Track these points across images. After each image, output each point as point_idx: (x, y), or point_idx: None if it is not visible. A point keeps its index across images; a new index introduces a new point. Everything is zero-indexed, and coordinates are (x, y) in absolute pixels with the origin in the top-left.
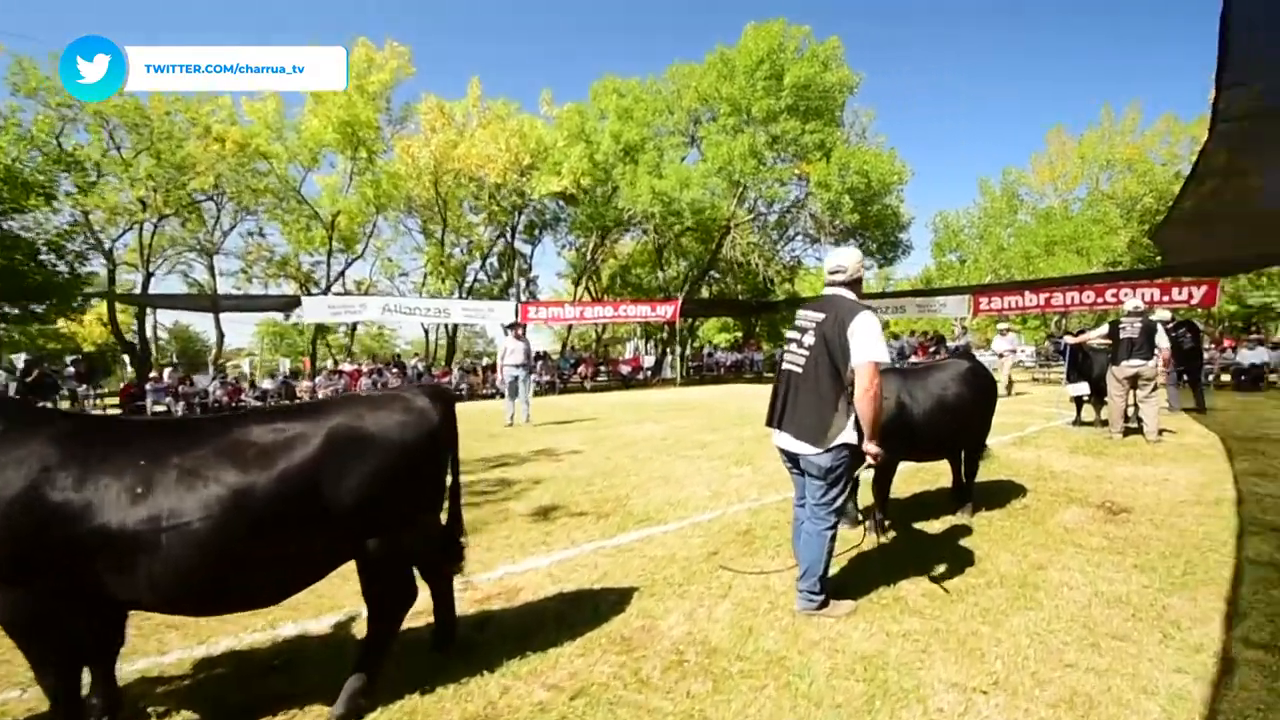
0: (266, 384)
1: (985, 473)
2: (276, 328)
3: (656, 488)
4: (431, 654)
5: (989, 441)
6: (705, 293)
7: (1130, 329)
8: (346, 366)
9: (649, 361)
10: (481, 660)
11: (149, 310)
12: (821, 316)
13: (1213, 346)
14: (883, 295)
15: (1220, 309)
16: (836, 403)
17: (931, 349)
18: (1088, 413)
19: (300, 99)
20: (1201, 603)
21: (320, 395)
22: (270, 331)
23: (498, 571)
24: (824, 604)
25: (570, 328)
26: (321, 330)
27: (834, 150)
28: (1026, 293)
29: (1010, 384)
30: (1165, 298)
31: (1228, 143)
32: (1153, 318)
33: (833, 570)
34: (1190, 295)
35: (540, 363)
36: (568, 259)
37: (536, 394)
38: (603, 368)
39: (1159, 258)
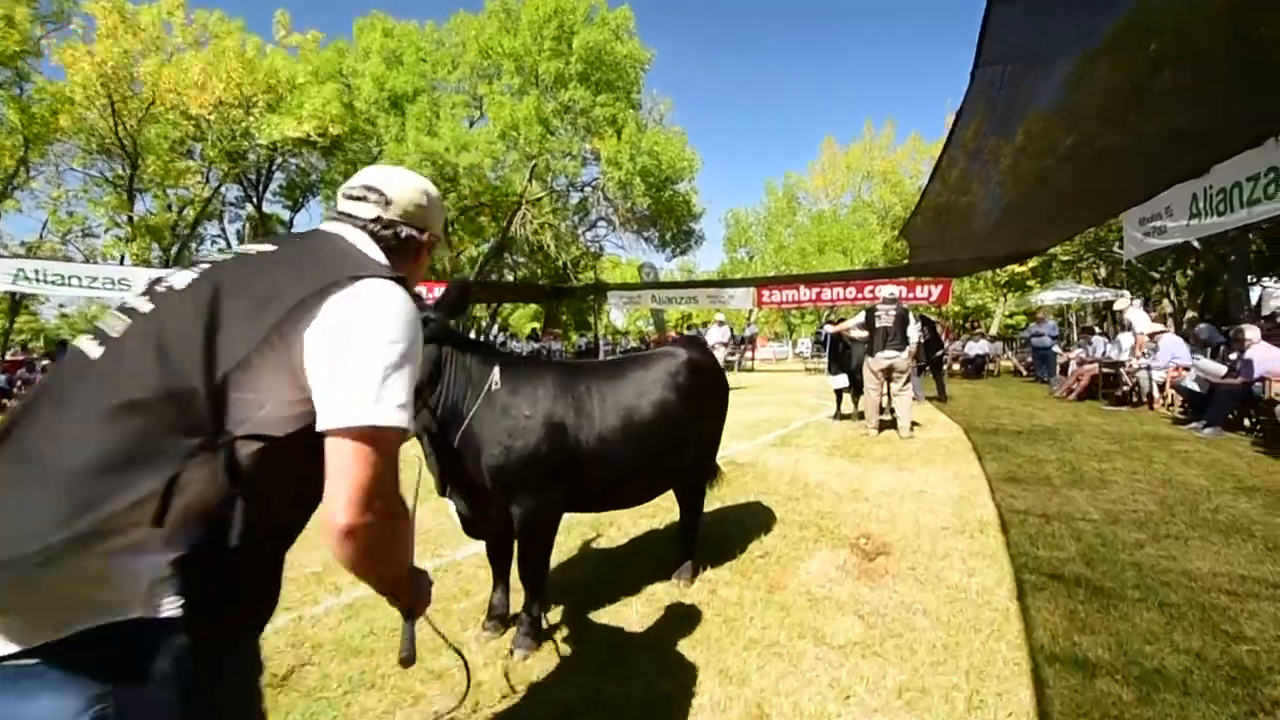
0: None
1: (737, 490)
2: None
3: None
4: None
5: (740, 455)
6: (512, 277)
7: (885, 317)
8: None
9: None
10: None
11: None
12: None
13: (946, 339)
14: (672, 285)
15: (947, 308)
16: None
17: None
18: (848, 405)
19: None
20: None
21: None
22: None
23: None
24: None
25: None
26: None
27: (625, 128)
28: (801, 286)
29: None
30: (910, 295)
31: (982, 102)
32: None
33: None
34: (930, 293)
35: None
36: None
37: None
38: None
39: (906, 260)
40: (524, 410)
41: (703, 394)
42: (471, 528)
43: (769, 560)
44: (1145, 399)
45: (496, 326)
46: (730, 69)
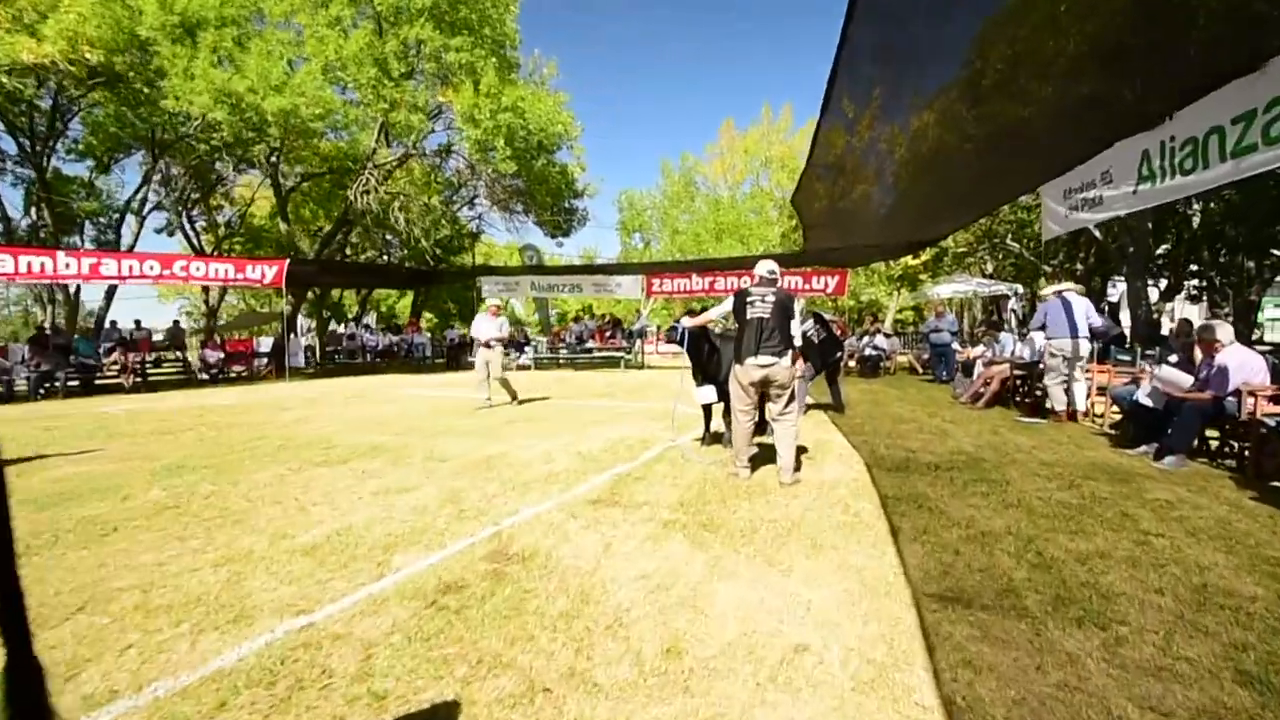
0: None
1: (435, 656)
2: None
3: None
4: None
5: None
6: (387, 259)
7: (760, 305)
8: None
9: (267, 345)
10: None
11: None
12: None
13: (842, 336)
14: (553, 270)
15: (843, 301)
16: None
17: (608, 334)
18: (719, 420)
19: None
20: None
21: None
22: None
23: None
24: None
25: (111, 291)
26: None
27: (484, 78)
28: (694, 275)
29: (511, 391)
30: (807, 286)
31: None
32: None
33: None
34: (826, 284)
35: (31, 348)
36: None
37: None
38: (178, 355)
39: (801, 246)
40: None
41: None
42: None
43: None
44: (1067, 412)
45: (374, 316)
46: (627, 36)
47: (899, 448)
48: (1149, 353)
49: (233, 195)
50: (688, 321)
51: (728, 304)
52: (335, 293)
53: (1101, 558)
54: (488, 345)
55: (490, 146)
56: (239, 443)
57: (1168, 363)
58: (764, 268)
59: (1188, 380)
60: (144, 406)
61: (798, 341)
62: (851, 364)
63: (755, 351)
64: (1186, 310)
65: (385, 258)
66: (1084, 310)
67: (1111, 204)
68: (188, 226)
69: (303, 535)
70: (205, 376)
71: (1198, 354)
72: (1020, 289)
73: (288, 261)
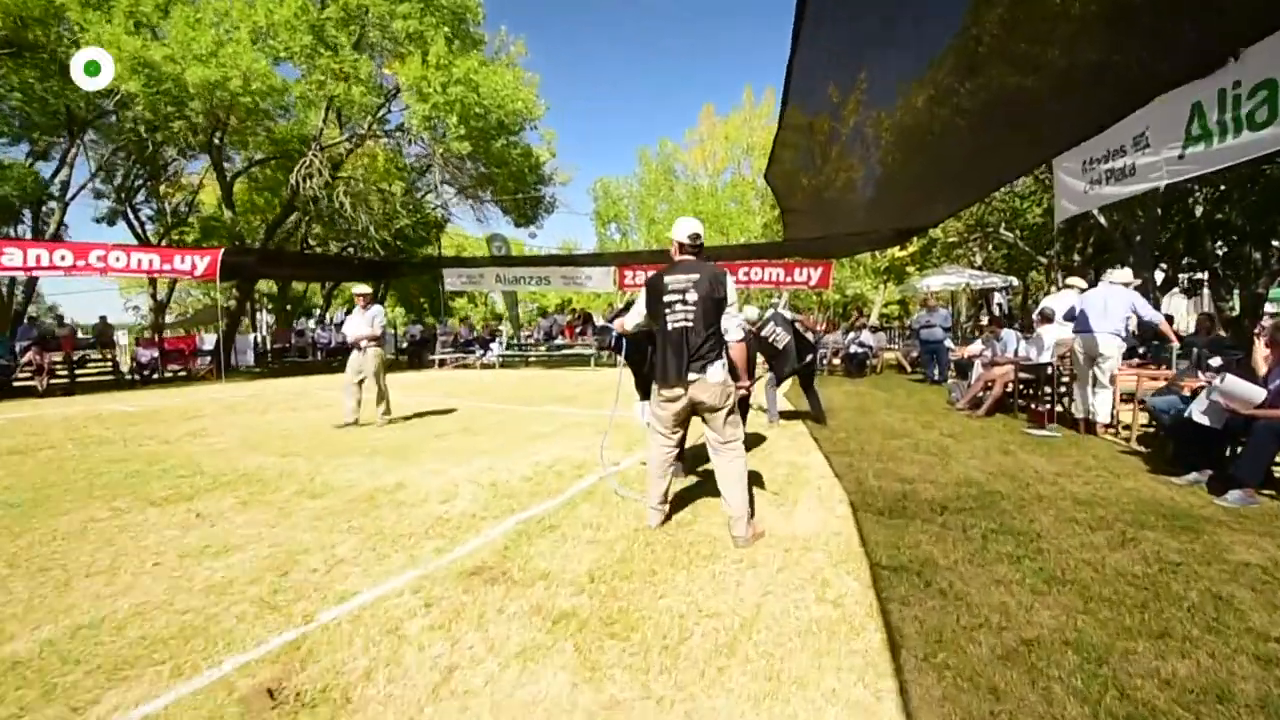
0: None
1: None
2: None
3: None
4: None
5: None
6: (354, 249)
7: (681, 308)
8: None
9: (211, 343)
10: None
11: None
12: None
13: (823, 331)
14: (518, 261)
15: (828, 295)
16: None
17: (578, 329)
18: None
19: None
20: None
21: None
22: None
23: None
24: None
25: (31, 285)
26: None
27: (433, 47)
28: None
29: (387, 404)
30: (789, 278)
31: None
32: (782, 309)
33: None
34: (809, 277)
35: None
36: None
37: None
38: (106, 354)
39: (783, 236)
40: None
41: None
42: None
43: None
44: (1083, 422)
45: (341, 311)
46: (607, 22)
47: (892, 476)
48: (1179, 353)
49: (184, 182)
50: (619, 325)
51: (639, 305)
52: (299, 286)
53: (1221, 700)
54: (358, 347)
55: (441, 123)
56: (91, 467)
57: (1210, 366)
58: (684, 231)
59: (1259, 394)
60: (36, 414)
61: (732, 337)
62: (836, 362)
63: (681, 371)
64: (1176, 304)
65: (351, 248)
66: (1116, 302)
67: (1146, 173)
68: (131, 215)
69: (22, 638)
70: (136, 377)
71: (1257, 358)
72: (1014, 281)
73: (222, 251)
